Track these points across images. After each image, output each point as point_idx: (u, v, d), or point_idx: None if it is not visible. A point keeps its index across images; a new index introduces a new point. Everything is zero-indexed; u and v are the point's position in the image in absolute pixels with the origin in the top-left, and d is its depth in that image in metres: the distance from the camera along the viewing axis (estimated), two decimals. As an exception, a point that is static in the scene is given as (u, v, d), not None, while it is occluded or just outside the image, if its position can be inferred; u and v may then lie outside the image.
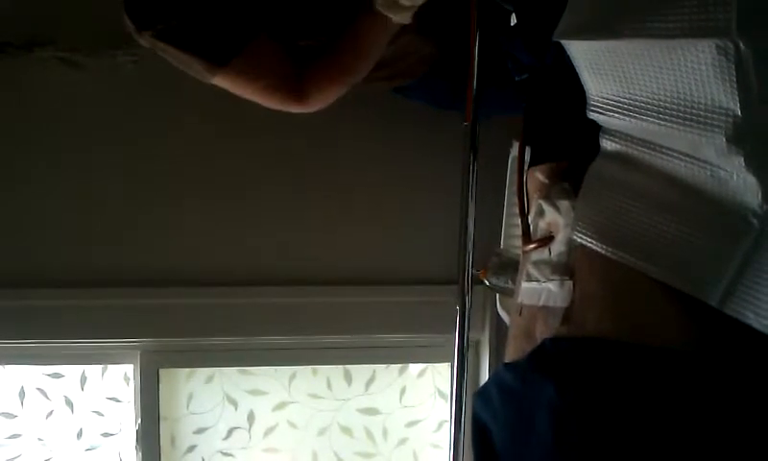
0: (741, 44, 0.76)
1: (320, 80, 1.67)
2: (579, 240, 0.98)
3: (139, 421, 2.39)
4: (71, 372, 2.43)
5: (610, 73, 0.92)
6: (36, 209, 2.22)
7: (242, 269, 2.30)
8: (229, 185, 2.23)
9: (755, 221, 0.83)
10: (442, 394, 2.56)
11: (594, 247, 0.95)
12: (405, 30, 1.61)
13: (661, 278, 0.88)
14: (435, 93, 1.86)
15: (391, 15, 1.51)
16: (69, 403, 2.44)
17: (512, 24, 1.55)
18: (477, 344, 2.45)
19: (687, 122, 0.85)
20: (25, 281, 2.22)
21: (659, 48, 0.84)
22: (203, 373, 2.47)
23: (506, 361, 1.05)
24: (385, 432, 2.56)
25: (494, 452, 0.95)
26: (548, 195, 1.09)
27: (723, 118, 0.81)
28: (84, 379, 2.44)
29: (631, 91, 0.91)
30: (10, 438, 2.42)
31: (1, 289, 2.20)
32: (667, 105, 0.86)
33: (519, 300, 1.08)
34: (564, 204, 1.06)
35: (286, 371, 2.50)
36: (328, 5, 1.67)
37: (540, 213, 1.10)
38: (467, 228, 1.64)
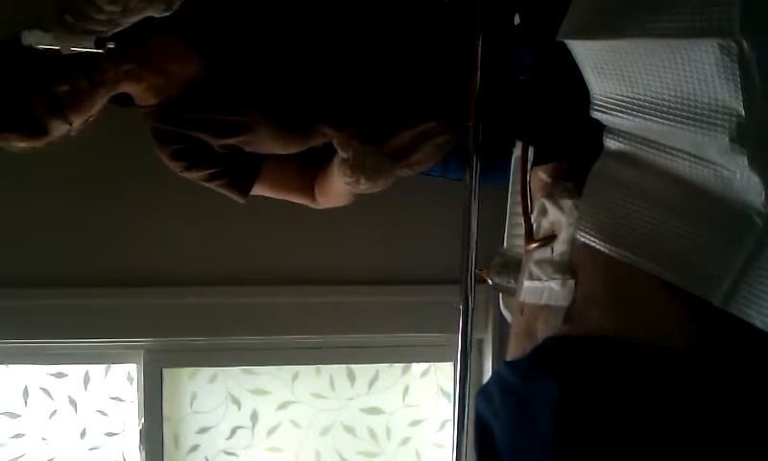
0: (744, 44, 0.77)
1: (322, 193, 1.91)
2: (582, 239, 0.98)
3: (142, 420, 2.39)
4: (74, 371, 2.44)
5: (613, 72, 0.92)
6: (40, 209, 2.23)
7: (245, 269, 2.31)
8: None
9: (758, 220, 0.83)
10: (445, 393, 2.56)
11: (597, 246, 0.95)
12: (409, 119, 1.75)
13: (664, 276, 0.88)
14: (456, 171, 1.86)
15: (345, 180, 1.64)
16: (73, 403, 2.44)
17: (515, 24, 1.55)
18: (480, 343, 2.45)
19: (691, 121, 0.85)
20: (29, 281, 2.22)
21: (662, 48, 0.84)
22: (206, 372, 2.47)
23: (507, 359, 1.05)
24: (388, 432, 2.56)
25: (496, 451, 0.95)
26: (551, 194, 1.09)
27: (726, 118, 0.81)
28: (87, 379, 2.44)
29: (634, 91, 0.91)
30: (13, 437, 2.43)
31: (5, 288, 2.21)
32: (671, 104, 0.87)
33: (521, 298, 1.08)
34: (568, 203, 1.06)
35: (289, 370, 2.50)
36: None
37: (543, 212, 1.10)
38: (470, 227, 1.64)
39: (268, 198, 1.91)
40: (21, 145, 1.58)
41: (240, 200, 1.84)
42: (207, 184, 1.81)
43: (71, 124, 1.58)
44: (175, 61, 1.67)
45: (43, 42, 1.32)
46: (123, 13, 1.28)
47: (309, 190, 1.92)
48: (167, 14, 1.32)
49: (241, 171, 1.81)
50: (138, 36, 1.54)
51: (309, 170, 1.89)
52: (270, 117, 1.73)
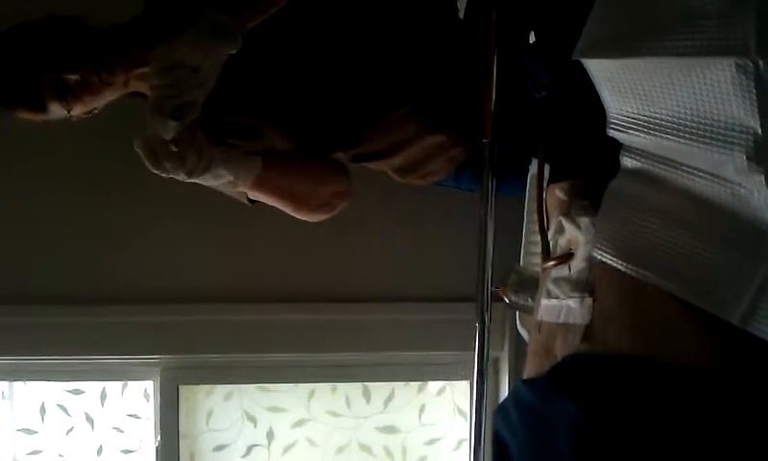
0: (761, 63, 0.77)
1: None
2: (599, 257, 0.97)
3: (159, 437, 2.39)
4: (91, 388, 2.45)
5: (629, 91, 0.92)
6: (58, 226, 2.24)
7: (262, 286, 2.31)
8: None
9: (776, 239, 0.83)
10: (461, 412, 2.55)
11: (614, 263, 0.95)
12: (419, 134, 1.75)
13: (682, 295, 0.88)
14: (469, 182, 1.87)
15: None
16: (89, 420, 2.45)
17: (531, 42, 1.56)
18: (496, 361, 2.44)
19: (707, 140, 0.84)
20: (46, 298, 2.24)
21: (678, 66, 0.84)
22: (222, 390, 2.47)
23: (524, 378, 1.04)
24: (404, 451, 2.55)
25: (514, 470, 0.95)
26: (568, 212, 1.09)
27: (743, 136, 0.81)
28: (104, 396, 2.45)
29: (651, 109, 0.91)
30: (30, 454, 2.44)
31: (22, 306, 2.22)
32: (687, 123, 0.86)
33: (539, 317, 1.08)
34: (585, 220, 1.06)
35: (305, 388, 2.50)
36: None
37: (560, 230, 1.10)
38: (486, 244, 1.64)
39: (284, 216, 1.92)
40: (20, 115, 1.62)
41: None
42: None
43: (69, 111, 1.60)
44: None
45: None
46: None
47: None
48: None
49: None
50: (159, 38, 1.58)
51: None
52: (283, 130, 1.74)
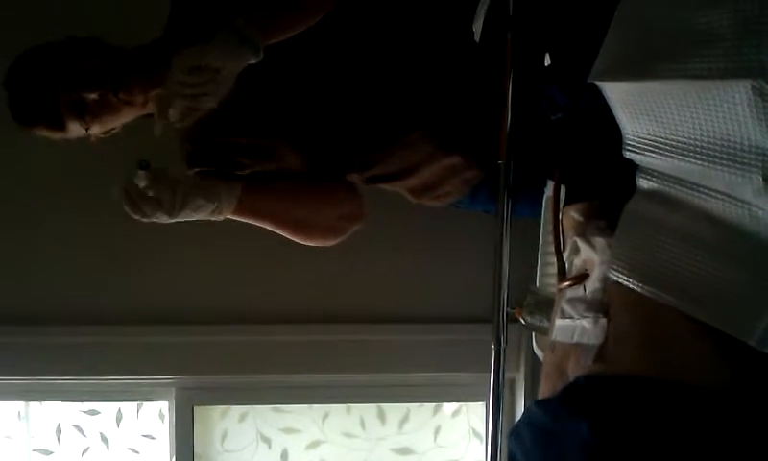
0: (776, 85, 0.77)
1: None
2: (614, 277, 0.97)
3: (174, 458, 2.39)
4: (107, 409, 2.45)
5: (645, 113, 0.93)
6: (74, 247, 2.26)
7: (276, 307, 2.31)
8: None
9: (793, 260, 0.83)
10: (476, 434, 2.54)
11: (629, 284, 0.95)
12: (434, 156, 1.77)
13: (697, 316, 0.88)
14: (485, 203, 1.88)
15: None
16: (105, 440, 2.46)
17: (546, 64, 1.56)
18: (512, 383, 2.44)
19: (724, 162, 0.85)
20: (61, 319, 2.25)
21: (694, 89, 0.84)
22: (236, 410, 2.47)
23: (538, 399, 1.04)
24: (419, 472, 2.54)
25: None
26: (584, 233, 1.09)
27: (760, 158, 0.81)
28: (119, 416, 2.46)
29: (666, 131, 0.91)
30: (46, 474, 2.44)
31: (38, 326, 2.24)
32: (703, 144, 0.87)
33: (553, 336, 1.08)
34: (600, 241, 1.06)
35: (320, 409, 2.50)
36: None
37: (576, 251, 1.10)
38: (501, 265, 1.64)
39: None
40: (40, 133, 1.64)
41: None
42: None
43: (88, 130, 1.63)
44: None
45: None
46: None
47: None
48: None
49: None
50: None
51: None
52: (297, 151, 1.76)
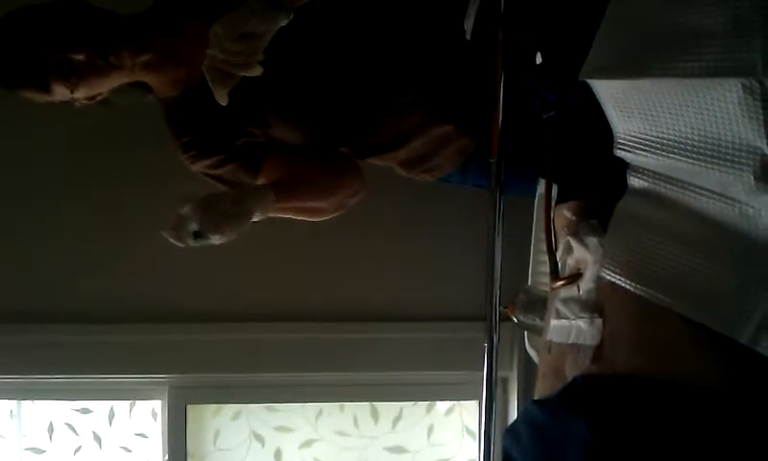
0: (767, 83, 0.77)
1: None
2: (607, 277, 0.97)
3: (166, 457, 2.39)
4: (99, 407, 2.45)
5: (636, 111, 0.93)
6: (65, 244, 2.25)
7: (269, 305, 2.31)
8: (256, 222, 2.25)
9: (785, 258, 0.83)
10: (470, 432, 2.54)
11: (623, 284, 0.95)
12: (424, 125, 1.76)
13: (690, 315, 0.88)
14: (476, 177, 1.87)
15: None
16: (97, 439, 2.45)
17: (537, 63, 1.56)
18: (505, 381, 2.43)
19: (715, 160, 0.85)
20: (54, 317, 2.24)
21: (685, 87, 0.84)
22: (229, 409, 2.47)
23: (535, 399, 1.04)
24: (413, 471, 2.54)
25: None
26: (576, 232, 1.09)
27: (751, 156, 0.81)
28: (112, 415, 2.45)
29: (658, 129, 0.91)
30: (39, 473, 2.44)
31: (30, 324, 2.23)
32: (694, 143, 0.87)
33: (549, 337, 1.08)
34: (593, 240, 1.06)
35: (313, 408, 2.49)
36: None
37: (569, 250, 1.10)
38: (494, 263, 1.64)
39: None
40: (25, 96, 1.63)
41: (251, 181, 1.82)
42: (216, 172, 1.81)
43: (73, 92, 1.62)
44: (202, 49, 1.69)
45: None
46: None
47: (330, 162, 1.89)
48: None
49: (250, 154, 1.81)
50: (171, 29, 1.66)
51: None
52: (290, 121, 1.78)
